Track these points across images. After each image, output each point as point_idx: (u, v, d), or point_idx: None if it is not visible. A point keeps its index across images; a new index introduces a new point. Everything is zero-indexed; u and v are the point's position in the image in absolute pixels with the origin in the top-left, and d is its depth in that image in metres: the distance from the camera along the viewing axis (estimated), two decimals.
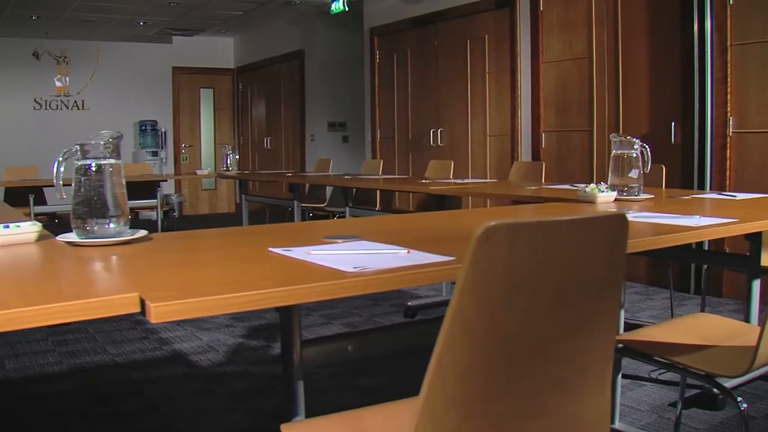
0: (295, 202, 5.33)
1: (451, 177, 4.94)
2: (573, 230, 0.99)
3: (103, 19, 7.90)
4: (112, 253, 1.44)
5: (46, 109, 8.95)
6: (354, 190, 4.95)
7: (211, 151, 10.06)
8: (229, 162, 5.93)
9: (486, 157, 5.99)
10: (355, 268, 1.18)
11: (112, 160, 1.53)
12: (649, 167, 2.89)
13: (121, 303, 0.94)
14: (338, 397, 2.62)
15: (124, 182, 1.57)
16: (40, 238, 1.53)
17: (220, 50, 9.93)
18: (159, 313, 0.94)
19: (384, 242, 1.55)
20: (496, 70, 5.86)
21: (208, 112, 10.12)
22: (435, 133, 6.39)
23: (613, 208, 2.46)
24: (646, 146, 2.86)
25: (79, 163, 1.51)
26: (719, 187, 4.28)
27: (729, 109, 4.27)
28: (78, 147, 1.51)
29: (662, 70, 4.68)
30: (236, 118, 10.22)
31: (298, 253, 1.39)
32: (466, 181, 4.51)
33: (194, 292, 0.98)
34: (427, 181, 4.38)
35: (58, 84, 8.97)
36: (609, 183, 2.76)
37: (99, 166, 1.50)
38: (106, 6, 7.25)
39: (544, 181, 4.27)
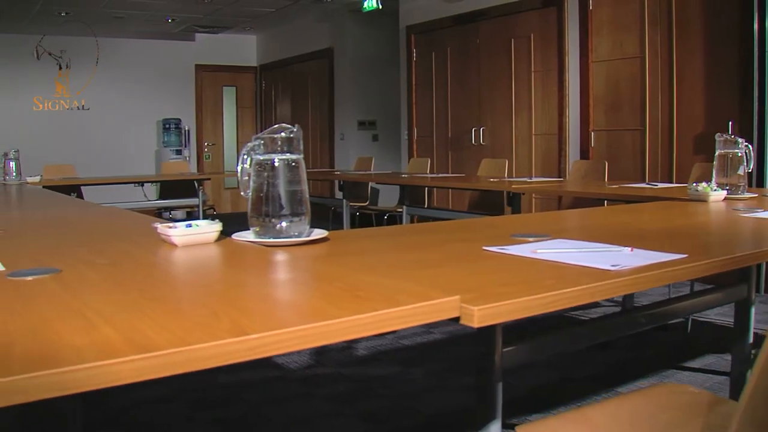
0: (345, 201, 5.26)
1: (506, 175, 4.89)
2: None
3: (132, 16, 7.82)
4: (310, 253, 1.38)
5: (70, 108, 8.85)
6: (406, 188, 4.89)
7: (233, 150, 9.98)
8: None
9: (531, 155, 5.94)
10: (613, 266, 1.13)
11: (296, 156, 1.45)
12: (751, 166, 2.86)
13: (443, 308, 0.87)
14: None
15: (305, 179, 1.50)
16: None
17: (242, 48, 9.85)
18: (483, 316, 0.88)
19: (574, 239, 1.50)
20: (543, 69, 5.81)
21: (230, 110, 10.03)
22: (477, 132, 6.33)
23: (723, 207, 2.42)
24: (749, 145, 2.83)
25: (262, 158, 1.44)
26: None
27: None
28: (260, 142, 1.44)
29: (719, 69, 4.64)
30: (259, 117, 10.14)
31: (519, 251, 1.33)
32: (535, 179, 4.46)
33: (497, 295, 0.93)
34: (495, 180, 4.32)
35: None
36: (716, 182, 2.72)
37: (287, 162, 1.43)
38: (138, 2, 7.17)
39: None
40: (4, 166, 5.11)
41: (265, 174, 1.42)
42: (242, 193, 1.45)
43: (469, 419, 2.48)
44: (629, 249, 1.31)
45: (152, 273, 1.17)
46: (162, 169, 6.80)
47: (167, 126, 9.23)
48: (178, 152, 9.14)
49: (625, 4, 5.20)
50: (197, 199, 5.82)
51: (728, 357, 2.77)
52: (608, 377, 2.89)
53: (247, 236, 1.47)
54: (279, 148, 1.44)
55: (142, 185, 6.26)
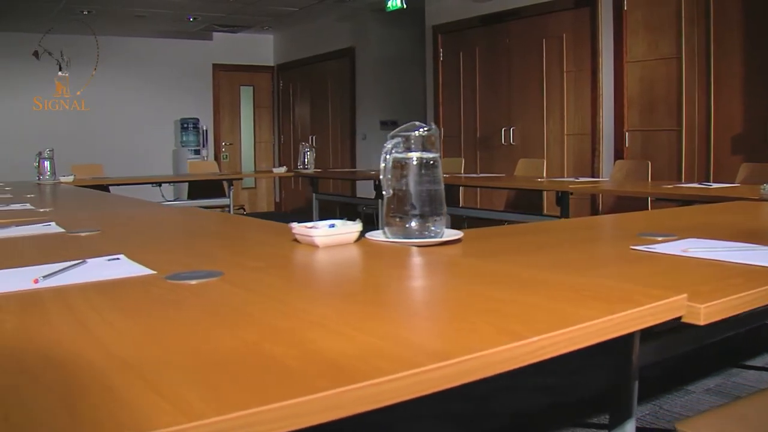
0: (380, 201, 5.23)
1: (544, 175, 4.88)
2: None
3: (154, 15, 7.79)
4: (458, 253, 1.36)
5: (85, 107, 8.80)
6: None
7: (251, 150, 9.95)
8: (306, 159, 5.82)
9: (564, 155, 5.93)
10: None
11: (435, 154, 1.44)
12: None
13: (671, 307, 0.86)
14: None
15: (442, 179, 1.48)
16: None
17: (259, 48, 9.82)
18: (709, 313, 0.87)
19: (700, 238, 1.48)
20: (575, 69, 5.80)
21: (247, 110, 10.01)
22: (507, 132, 6.32)
23: None
24: None
25: (401, 156, 1.42)
26: None
27: None
28: (399, 140, 1.42)
29: (757, 69, 4.64)
30: (276, 116, 10.11)
31: (666, 249, 1.32)
32: (582, 179, 4.45)
33: (708, 293, 0.91)
34: (544, 180, 4.31)
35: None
36: None
37: (426, 161, 1.42)
38: (161, 0, 7.15)
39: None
40: (39, 166, 5.09)
41: (406, 173, 1.41)
42: (384, 192, 1.43)
43: (547, 420, 2.47)
44: None
45: (327, 276, 1.15)
46: (189, 169, 6.78)
47: (185, 126, 9.19)
48: (197, 152, 9.10)
49: (660, 5, 5.20)
50: (228, 199, 5.80)
51: None
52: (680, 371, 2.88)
53: (381, 236, 1.45)
54: (417, 147, 1.42)
55: (160, 185, 6.22)
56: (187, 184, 7.27)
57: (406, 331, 0.75)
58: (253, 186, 9.87)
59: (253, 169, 9.75)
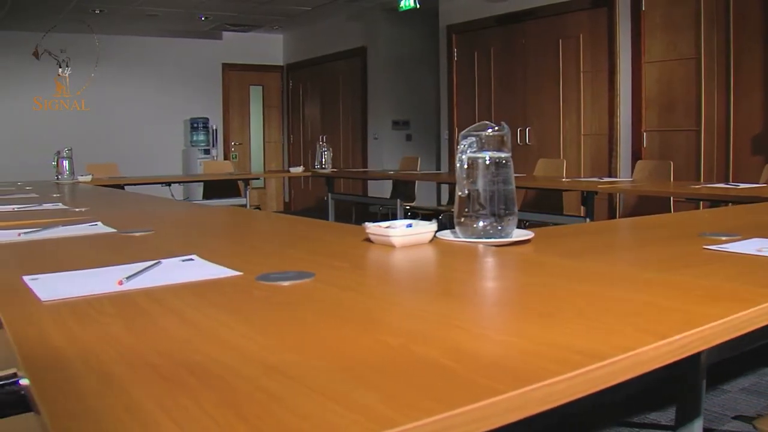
0: (398, 201, 5.24)
1: (564, 175, 4.88)
2: None
3: (166, 14, 7.78)
4: (534, 251, 1.36)
5: (95, 106, 8.79)
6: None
7: (260, 150, 9.95)
8: (324, 159, 5.81)
9: (580, 155, 5.93)
10: None
11: (507, 154, 1.44)
12: None
13: None
14: None
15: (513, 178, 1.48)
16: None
17: (268, 47, 9.81)
18: None
19: (760, 237, 1.48)
20: (592, 69, 5.80)
21: (257, 109, 10.00)
22: (522, 132, 6.32)
23: None
24: None
25: (475, 156, 1.42)
26: None
27: None
28: (473, 140, 1.42)
29: None
30: (286, 116, 10.11)
31: (740, 249, 1.32)
32: (606, 179, 4.45)
33: None
34: (566, 179, 4.31)
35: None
36: None
37: (499, 160, 1.42)
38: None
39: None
40: (58, 165, 5.07)
41: (479, 173, 1.40)
42: (459, 192, 1.42)
43: (593, 418, 2.46)
44: None
45: (424, 276, 1.14)
46: (204, 169, 6.77)
47: (195, 125, 9.18)
48: (206, 152, 9.09)
49: (679, 5, 5.20)
50: (244, 199, 5.79)
51: None
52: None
53: (452, 236, 1.45)
54: (491, 146, 1.42)
55: (170, 185, 6.20)
56: (196, 184, 7.27)
57: (542, 331, 0.75)
58: (263, 186, 9.86)
59: (262, 169, 9.74)
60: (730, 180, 4.89)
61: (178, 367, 0.66)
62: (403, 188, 5.83)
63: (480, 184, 1.40)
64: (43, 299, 0.97)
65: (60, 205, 2.83)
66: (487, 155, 1.41)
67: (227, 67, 9.56)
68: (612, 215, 5.57)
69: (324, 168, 5.96)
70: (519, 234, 1.46)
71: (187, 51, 9.24)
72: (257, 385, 0.60)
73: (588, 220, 3.88)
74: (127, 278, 1.11)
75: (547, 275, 1.08)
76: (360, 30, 8.38)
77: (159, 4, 7.34)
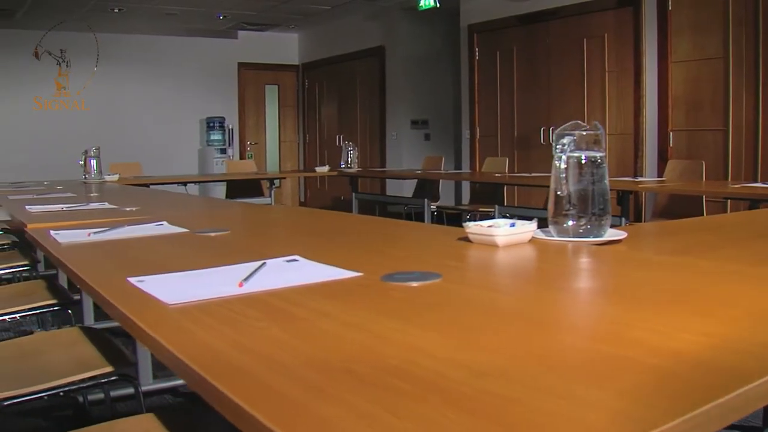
0: (426, 200, 5.24)
1: None
2: None
3: (184, 12, 7.78)
4: (637, 252, 1.36)
5: (116, 107, 8.80)
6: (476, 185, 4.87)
7: (276, 149, 9.95)
8: (350, 159, 5.82)
9: (606, 155, 5.92)
10: None
11: (603, 153, 1.44)
12: None
13: None
14: None
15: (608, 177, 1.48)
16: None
17: (284, 46, 9.81)
18: None
19: None
20: (617, 69, 5.80)
21: (272, 109, 9.99)
22: (546, 132, 6.32)
23: None
24: None
25: (572, 156, 1.42)
26: None
27: None
28: (572, 139, 1.42)
29: None
30: (301, 116, 10.11)
31: None
32: (640, 179, 4.45)
33: None
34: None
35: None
36: None
37: (595, 159, 1.42)
38: None
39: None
40: (86, 164, 5.08)
41: (579, 172, 1.40)
42: (558, 192, 1.42)
43: None
44: None
45: (549, 275, 1.14)
46: (227, 169, 6.77)
47: (211, 124, 9.18)
48: (223, 151, 9.09)
49: (706, 5, 5.19)
50: (269, 198, 5.80)
51: None
52: None
53: (545, 234, 1.45)
54: (587, 146, 1.42)
55: (185, 185, 6.19)
56: (212, 183, 7.28)
57: (722, 328, 0.74)
58: (278, 186, 9.85)
59: (278, 169, 9.74)
60: (759, 179, 4.89)
61: (379, 372, 0.64)
62: (429, 188, 5.83)
63: (578, 184, 1.40)
64: (169, 303, 0.94)
65: (107, 204, 2.80)
66: (583, 155, 1.41)
67: (243, 67, 9.56)
68: (638, 215, 5.57)
69: (350, 167, 5.97)
70: (612, 233, 1.46)
71: (202, 50, 9.24)
72: (478, 388, 0.58)
73: (624, 219, 3.88)
74: (245, 279, 1.10)
75: (670, 273, 1.08)
76: (378, 29, 8.38)
77: (178, 3, 7.34)
